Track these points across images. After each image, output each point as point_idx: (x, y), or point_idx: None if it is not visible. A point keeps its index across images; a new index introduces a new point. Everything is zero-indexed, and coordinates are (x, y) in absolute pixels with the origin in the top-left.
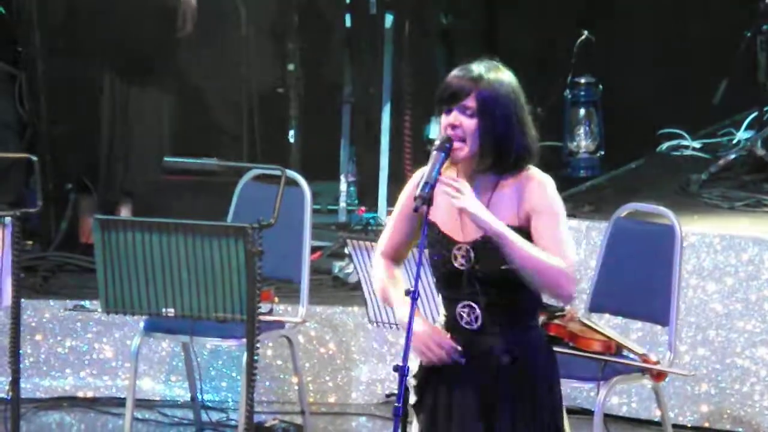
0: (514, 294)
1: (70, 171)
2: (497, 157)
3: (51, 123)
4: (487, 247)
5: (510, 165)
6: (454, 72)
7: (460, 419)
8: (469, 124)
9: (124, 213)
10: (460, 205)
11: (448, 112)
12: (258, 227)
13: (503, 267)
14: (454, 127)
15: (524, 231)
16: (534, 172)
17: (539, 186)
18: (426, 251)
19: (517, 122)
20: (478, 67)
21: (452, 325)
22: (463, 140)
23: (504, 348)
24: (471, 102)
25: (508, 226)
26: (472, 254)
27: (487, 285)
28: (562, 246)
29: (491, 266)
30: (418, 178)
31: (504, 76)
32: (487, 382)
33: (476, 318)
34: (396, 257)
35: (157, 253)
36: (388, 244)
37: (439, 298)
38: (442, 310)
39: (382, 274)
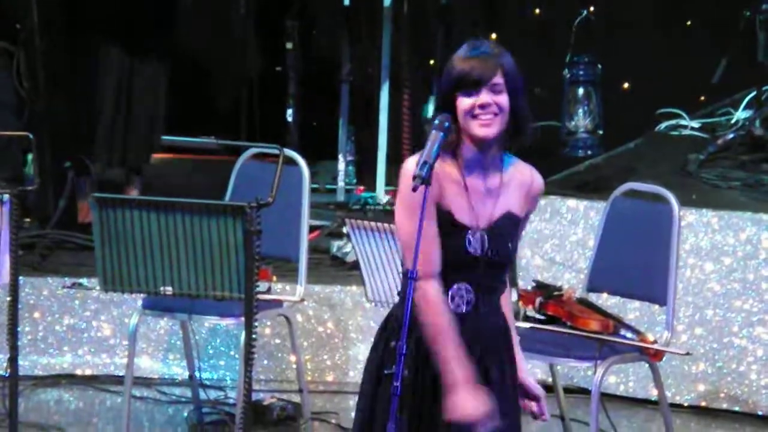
0: (503, 277)
1: (68, 149)
2: (517, 133)
3: (49, 100)
4: (499, 232)
5: (522, 141)
6: (465, 55)
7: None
8: (502, 100)
9: (134, 192)
10: None
11: (475, 93)
12: (256, 206)
13: (511, 253)
14: (485, 106)
15: (518, 220)
16: (533, 169)
17: (539, 191)
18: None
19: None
20: (487, 45)
21: None
22: (495, 115)
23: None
24: (499, 79)
25: (514, 214)
26: (486, 239)
27: (496, 269)
28: None
29: (502, 250)
30: (411, 166)
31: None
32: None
33: (468, 301)
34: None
35: (155, 232)
36: (435, 257)
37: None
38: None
39: (443, 315)
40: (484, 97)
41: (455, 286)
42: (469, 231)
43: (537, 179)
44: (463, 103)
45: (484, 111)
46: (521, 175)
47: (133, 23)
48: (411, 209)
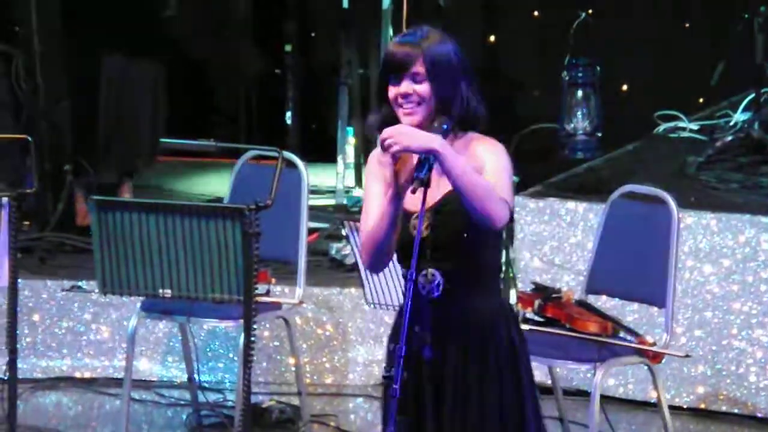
0: (473, 260)
1: (67, 152)
2: (462, 120)
3: (47, 103)
4: (443, 211)
5: (457, 128)
6: (395, 40)
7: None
8: (423, 89)
9: (126, 195)
10: (400, 148)
11: (397, 82)
12: (255, 208)
13: (461, 232)
14: (406, 96)
15: None
16: (480, 136)
17: (488, 145)
18: None
19: (464, 84)
20: (419, 33)
21: (414, 294)
22: (418, 104)
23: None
24: (419, 68)
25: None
26: (428, 221)
27: (445, 251)
28: (504, 185)
29: (447, 231)
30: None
31: (445, 38)
32: (448, 351)
33: (437, 285)
34: None
35: (154, 234)
36: (370, 216)
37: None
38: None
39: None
40: (405, 86)
41: (422, 272)
42: (413, 215)
43: (478, 137)
44: (390, 91)
45: (406, 100)
46: (460, 142)
47: (131, 26)
48: (366, 175)
